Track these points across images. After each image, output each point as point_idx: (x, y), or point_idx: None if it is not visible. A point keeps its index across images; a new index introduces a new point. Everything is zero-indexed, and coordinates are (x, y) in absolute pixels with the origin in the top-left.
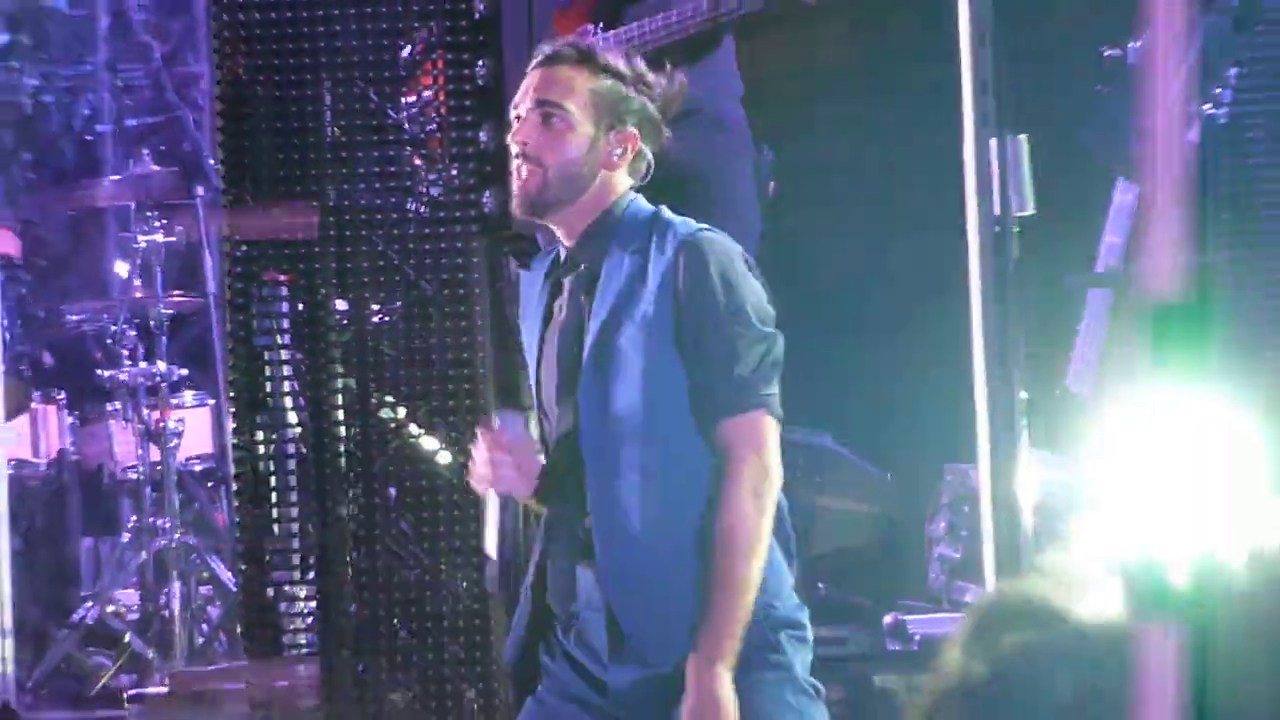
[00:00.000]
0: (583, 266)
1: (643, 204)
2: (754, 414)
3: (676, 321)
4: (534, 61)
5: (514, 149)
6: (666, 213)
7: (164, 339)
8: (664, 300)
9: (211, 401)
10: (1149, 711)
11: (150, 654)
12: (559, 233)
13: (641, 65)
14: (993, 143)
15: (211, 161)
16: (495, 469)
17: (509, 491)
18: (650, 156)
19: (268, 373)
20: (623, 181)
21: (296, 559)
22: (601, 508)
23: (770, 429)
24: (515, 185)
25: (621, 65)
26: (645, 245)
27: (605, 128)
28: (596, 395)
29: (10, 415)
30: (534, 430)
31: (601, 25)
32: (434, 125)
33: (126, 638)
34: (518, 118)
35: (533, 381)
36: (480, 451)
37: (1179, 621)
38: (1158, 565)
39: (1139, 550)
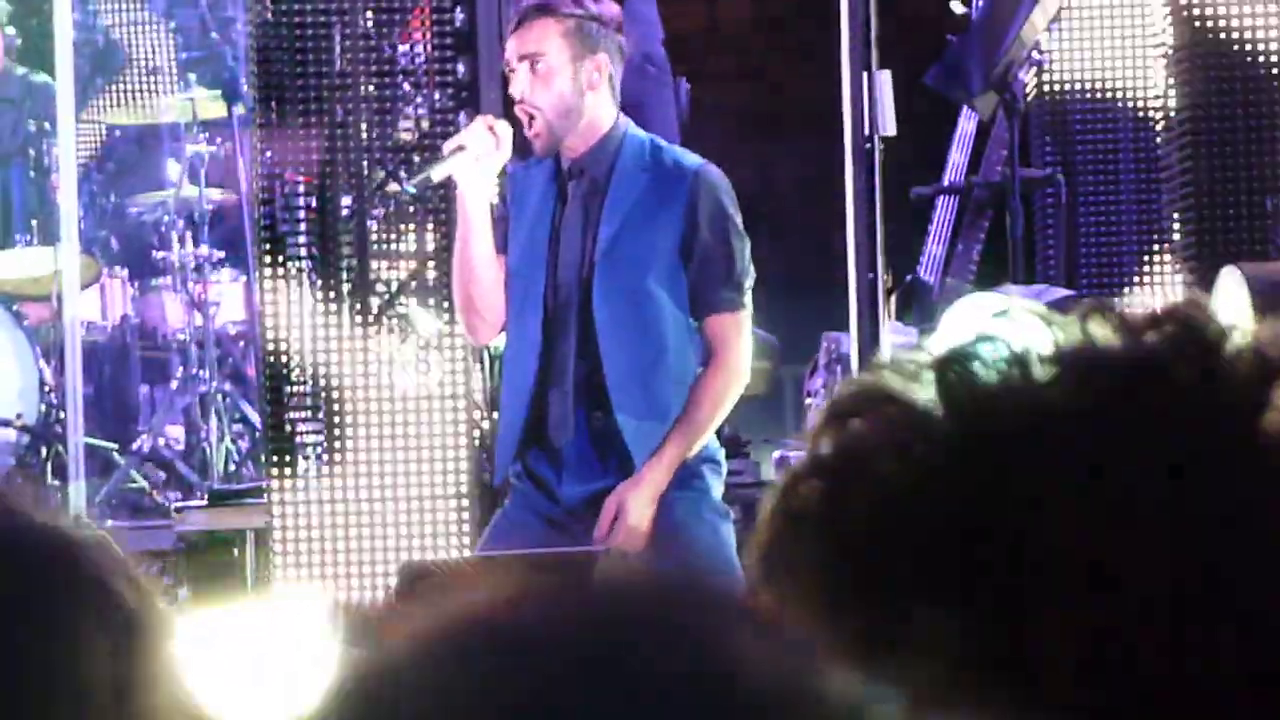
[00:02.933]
0: (589, 176)
1: (636, 130)
2: (742, 312)
3: (687, 232)
4: (510, 27)
5: (516, 99)
6: (660, 141)
7: (206, 228)
8: (675, 212)
9: (243, 278)
10: None
11: (193, 476)
12: (564, 149)
13: (597, 3)
14: (864, 77)
15: (246, 88)
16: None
17: (474, 149)
18: (616, 73)
19: (288, 254)
20: (606, 100)
21: (309, 400)
22: (614, 364)
23: (749, 323)
24: (527, 133)
25: (580, 6)
26: (653, 167)
27: (579, 59)
28: (610, 280)
29: (84, 286)
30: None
31: None
32: (421, 59)
33: (175, 463)
34: (511, 72)
35: (528, 261)
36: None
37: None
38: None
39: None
